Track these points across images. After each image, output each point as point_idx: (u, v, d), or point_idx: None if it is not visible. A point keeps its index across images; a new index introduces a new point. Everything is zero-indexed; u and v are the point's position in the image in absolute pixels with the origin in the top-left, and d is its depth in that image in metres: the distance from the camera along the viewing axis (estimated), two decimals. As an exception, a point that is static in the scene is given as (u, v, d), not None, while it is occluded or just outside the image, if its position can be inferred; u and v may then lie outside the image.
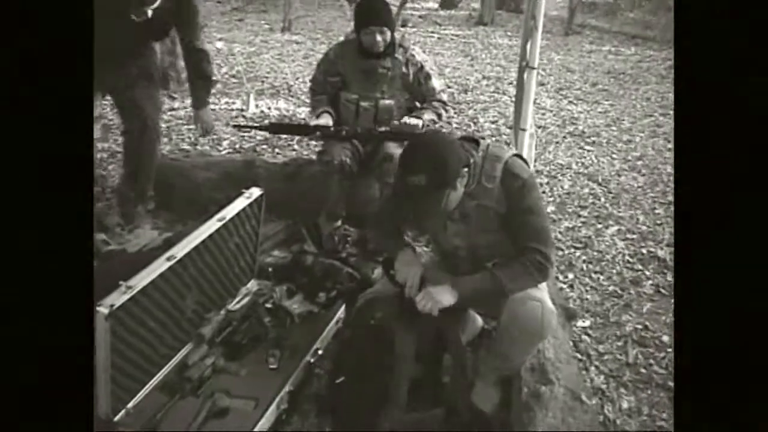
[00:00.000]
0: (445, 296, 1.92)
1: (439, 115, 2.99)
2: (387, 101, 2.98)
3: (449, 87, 6.31)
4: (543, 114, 5.63)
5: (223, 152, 4.23)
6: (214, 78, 3.17)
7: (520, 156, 1.98)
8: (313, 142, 4.34)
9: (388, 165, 2.88)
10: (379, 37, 2.86)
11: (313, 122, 2.97)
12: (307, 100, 3.84)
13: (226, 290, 2.37)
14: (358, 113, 3.00)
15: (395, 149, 2.86)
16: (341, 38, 3.14)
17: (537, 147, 4.46)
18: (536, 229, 1.91)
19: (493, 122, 5.30)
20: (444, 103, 3.01)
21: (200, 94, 3.08)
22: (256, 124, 3.45)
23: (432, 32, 9.83)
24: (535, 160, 4.03)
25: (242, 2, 11.76)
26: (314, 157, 3.94)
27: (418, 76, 3.00)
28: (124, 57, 2.87)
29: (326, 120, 2.95)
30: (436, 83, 3.05)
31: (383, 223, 2.19)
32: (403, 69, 2.97)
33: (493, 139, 4.77)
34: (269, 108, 5.34)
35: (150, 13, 2.66)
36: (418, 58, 3.02)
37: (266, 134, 4.43)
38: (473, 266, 2.03)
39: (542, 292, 1.95)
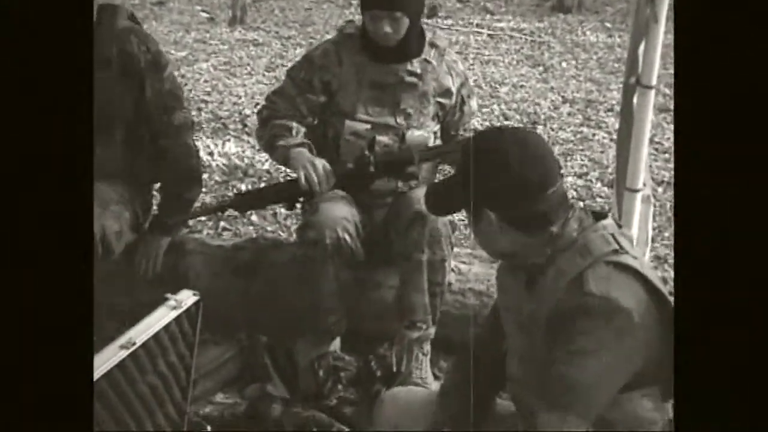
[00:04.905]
0: None
1: None
2: (417, 132, 3.05)
3: (506, 118, 6.41)
4: (667, 161, 5.67)
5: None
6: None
7: (628, 268, 1.94)
8: (284, 210, 4.39)
9: (419, 232, 2.88)
10: (388, 27, 2.92)
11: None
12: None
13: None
14: (372, 154, 3.01)
15: None
16: (330, 35, 3.22)
17: (656, 218, 4.48)
18: (568, 384, 1.93)
19: (580, 175, 5.36)
20: None
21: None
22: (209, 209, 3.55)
23: (479, 25, 10.00)
24: (653, 240, 4.04)
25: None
26: (288, 234, 3.95)
27: (461, 94, 3.13)
28: None
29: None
30: (475, 104, 3.22)
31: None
32: (441, 80, 3.08)
33: (581, 204, 4.81)
34: (211, 153, 5.46)
35: None
36: (461, 66, 3.17)
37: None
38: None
39: None
